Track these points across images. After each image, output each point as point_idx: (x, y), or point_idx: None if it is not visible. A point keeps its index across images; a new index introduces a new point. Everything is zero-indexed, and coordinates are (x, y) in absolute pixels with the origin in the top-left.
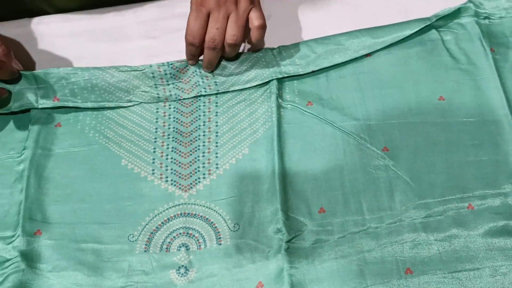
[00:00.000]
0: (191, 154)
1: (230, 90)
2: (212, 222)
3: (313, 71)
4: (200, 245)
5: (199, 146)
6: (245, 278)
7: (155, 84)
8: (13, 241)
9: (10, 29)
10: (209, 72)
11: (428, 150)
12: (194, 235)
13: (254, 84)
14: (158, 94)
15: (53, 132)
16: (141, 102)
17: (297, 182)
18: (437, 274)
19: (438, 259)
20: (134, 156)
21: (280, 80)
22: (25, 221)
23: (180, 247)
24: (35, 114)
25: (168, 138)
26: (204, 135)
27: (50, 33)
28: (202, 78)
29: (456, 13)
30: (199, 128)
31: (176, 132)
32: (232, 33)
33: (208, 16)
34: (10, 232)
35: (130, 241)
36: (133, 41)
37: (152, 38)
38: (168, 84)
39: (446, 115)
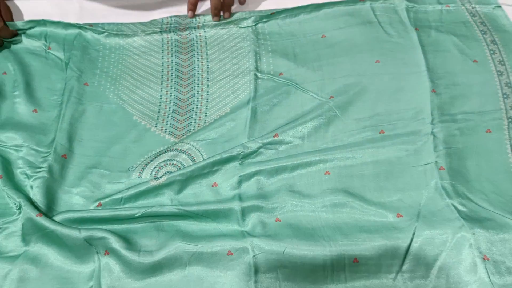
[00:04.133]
0: (186, 120)
1: (215, 24)
2: (191, 156)
3: (273, 13)
4: (179, 169)
5: (192, 108)
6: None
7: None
8: (47, 156)
9: None
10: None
11: (361, 96)
12: (177, 165)
13: (236, 18)
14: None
15: (82, 88)
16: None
17: (263, 126)
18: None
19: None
20: (142, 113)
21: (259, 57)
22: (57, 145)
23: (164, 174)
24: (69, 74)
25: (170, 103)
26: (198, 100)
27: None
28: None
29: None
30: (194, 95)
31: (176, 104)
32: None
33: None
34: (46, 149)
35: (129, 170)
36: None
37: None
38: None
39: (380, 71)
